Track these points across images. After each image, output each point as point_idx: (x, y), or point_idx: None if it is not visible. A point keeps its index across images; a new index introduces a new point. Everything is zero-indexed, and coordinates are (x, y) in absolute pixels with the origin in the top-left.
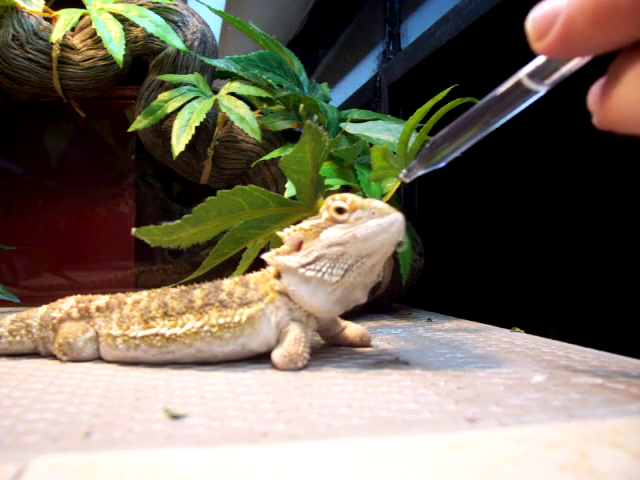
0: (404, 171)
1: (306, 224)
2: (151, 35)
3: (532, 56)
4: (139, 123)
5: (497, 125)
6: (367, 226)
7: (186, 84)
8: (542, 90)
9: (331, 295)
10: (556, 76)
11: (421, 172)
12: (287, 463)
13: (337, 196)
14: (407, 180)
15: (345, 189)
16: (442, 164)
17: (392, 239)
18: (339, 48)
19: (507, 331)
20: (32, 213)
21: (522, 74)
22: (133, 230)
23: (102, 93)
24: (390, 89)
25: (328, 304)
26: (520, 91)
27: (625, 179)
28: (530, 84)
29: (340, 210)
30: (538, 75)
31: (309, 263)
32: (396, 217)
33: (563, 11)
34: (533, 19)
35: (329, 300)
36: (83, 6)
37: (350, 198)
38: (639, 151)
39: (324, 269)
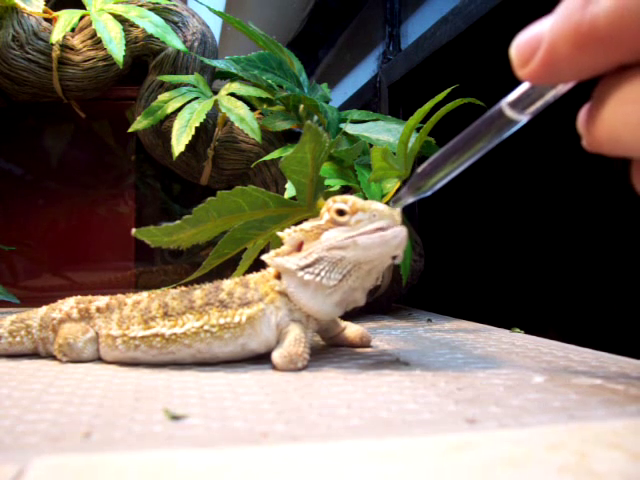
0: (393, 199)
1: (307, 225)
2: (151, 36)
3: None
4: (139, 124)
5: (485, 152)
6: (369, 235)
7: (186, 85)
8: (524, 119)
9: (329, 298)
10: (539, 104)
11: (410, 200)
12: (287, 464)
13: (338, 198)
14: (397, 208)
15: (345, 190)
16: (429, 193)
17: (392, 252)
18: (339, 49)
19: (507, 332)
20: (32, 214)
21: (504, 104)
22: (133, 231)
23: (102, 94)
24: (390, 90)
25: (327, 306)
26: (503, 121)
27: (623, 180)
28: (512, 114)
29: (341, 212)
30: (520, 104)
31: (308, 265)
32: (400, 230)
33: (545, 38)
34: (516, 46)
35: (327, 303)
36: (83, 7)
37: (351, 200)
38: None
39: (322, 273)
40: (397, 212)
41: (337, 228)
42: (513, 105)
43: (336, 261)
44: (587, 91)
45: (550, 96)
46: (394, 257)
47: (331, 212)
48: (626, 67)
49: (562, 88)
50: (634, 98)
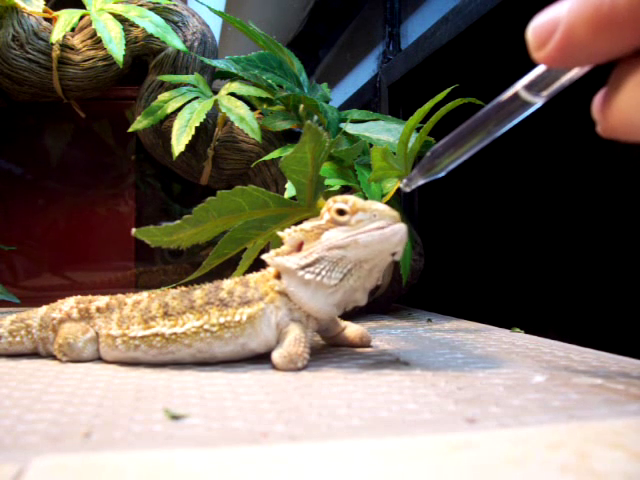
0: (404, 181)
1: (307, 225)
2: (151, 35)
3: (530, 58)
4: (139, 123)
5: (498, 135)
6: (369, 233)
7: (186, 84)
8: (539, 102)
9: (330, 297)
10: (554, 87)
11: (421, 182)
12: (287, 464)
13: (339, 198)
14: (407, 190)
15: (345, 189)
16: (442, 174)
17: (392, 249)
18: (339, 48)
19: (507, 331)
20: (32, 213)
21: (519, 86)
22: (133, 230)
23: (102, 93)
24: (390, 89)
25: (327, 306)
26: (518, 103)
27: (623, 180)
28: (527, 96)
29: (341, 212)
30: (536, 87)
31: (308, 265)
32: (399, 227)
33: (563, 20)
34: (533, 28)
35: (328, 302)
36: (83, 6)
37: (352, 200)
38: (638, 152)
39: (323, 272)
40: (397, 213)
41: (337, 228)
42: (529, 87)
43: (337, 260)
44: (593, 84)
45: (566, 80)
46: (394, 254)
47: (331, 212)
48: None
49: (578, 72)
50: None
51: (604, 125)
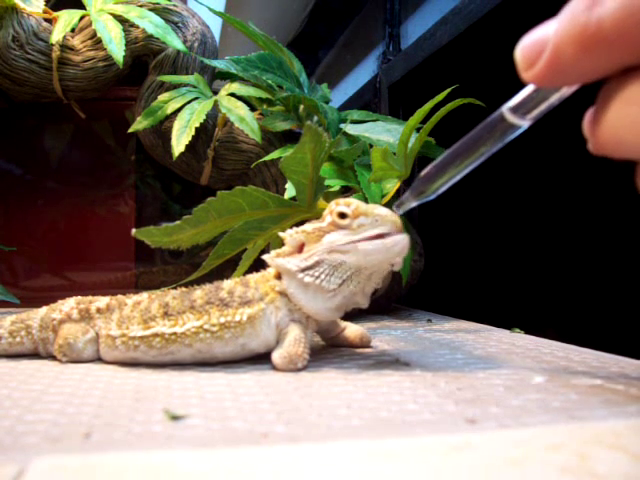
0: (396, 204)
1: (309, 227)
2: (151, 36)
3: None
4: (139, 124)
5: (489, 155)
6: (370, 242)
7: (186, 85)
8: (525, 125)
9: (329, 301)
10: (541, 109)
11: (413, 204)
12: (287, 464)
13: (341, 201)
14: (400, 212)
15: (345, 190)
16: (433, 197)
17: (392, 259)
18: (339, 49)
19: (507, 332)
20: (32, 214)
21: (505, 109)
22: (133, 231)
23: (102, 94)
24: (390, 90)
25: (326, 309)
26: (504, 125)
27: (623, 180)
28: (513, 119)
29: (343, 215)
30: (522, 108)
31: (308, 267)
32: (401, 238)
33: (551, 40)
34: (522, 49)
35: (327, 306)
36: (83, 7)
37: (354, 204)
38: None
39: (322, 276)
40: (399, 218)
41: (339, 231)
42: (514, 110)
43: (336, 265)
44: (592, 95)
45: (554, 99)
46: (393, 264)
47: (333, 215)
48: (630, 69)
49: (566, 91)
50: (638, 99)
51: (594, 142)
